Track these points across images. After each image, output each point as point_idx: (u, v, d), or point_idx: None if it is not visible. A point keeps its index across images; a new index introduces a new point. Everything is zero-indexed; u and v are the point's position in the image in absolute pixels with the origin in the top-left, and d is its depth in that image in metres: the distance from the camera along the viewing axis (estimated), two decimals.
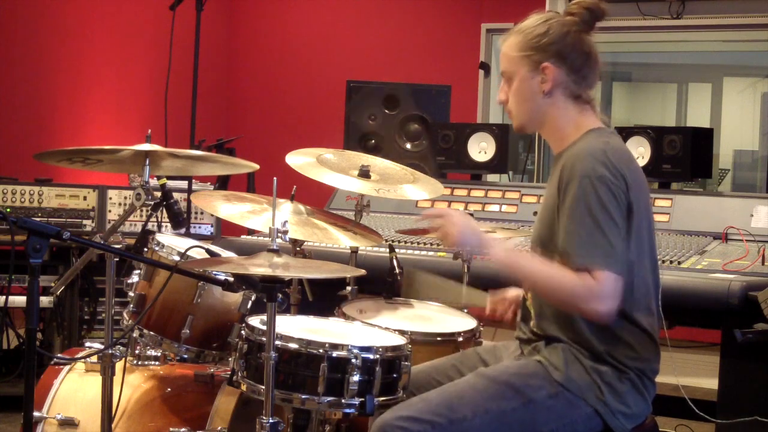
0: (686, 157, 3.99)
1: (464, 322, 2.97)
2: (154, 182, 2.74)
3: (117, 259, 2.72)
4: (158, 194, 2.73)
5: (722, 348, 3.23)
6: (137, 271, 2.95)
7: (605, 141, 2.38)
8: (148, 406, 2.88)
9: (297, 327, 2.61)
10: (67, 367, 2.99)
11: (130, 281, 2.94)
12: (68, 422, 2.86)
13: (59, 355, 3.91)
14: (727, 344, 3.21)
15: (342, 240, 2.97)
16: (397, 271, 3.14)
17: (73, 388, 2.93)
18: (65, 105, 5.87)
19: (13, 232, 2.20)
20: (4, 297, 4.03)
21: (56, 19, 5.75)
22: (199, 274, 2.72)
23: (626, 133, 4.06)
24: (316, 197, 3.51)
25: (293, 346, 2.42)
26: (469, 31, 6.49)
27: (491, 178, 4.90)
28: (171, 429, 2.81)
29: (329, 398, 2.40)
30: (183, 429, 2.81)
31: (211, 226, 4.84)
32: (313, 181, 3.05)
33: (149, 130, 2.80)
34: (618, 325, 2.33)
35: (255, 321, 2.54)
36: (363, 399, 2.41)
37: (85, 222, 4.67)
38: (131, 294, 2.92)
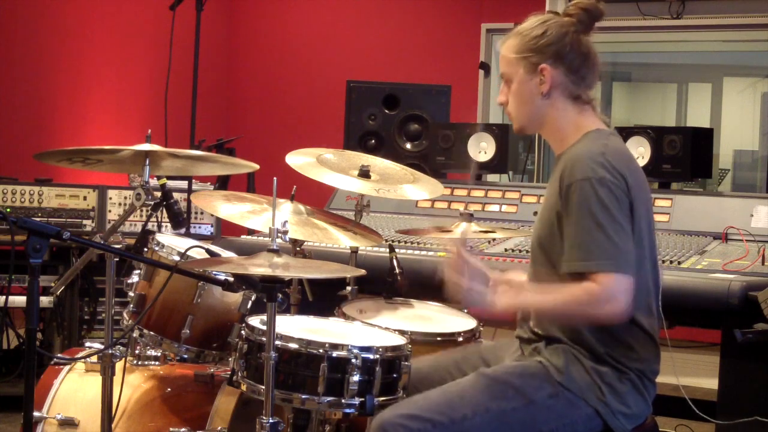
0: (686, 157, 3.99)
1: (464, 322, 2.97)
2: (154, 182, 2.74)
3: (117, 259, 2.72)
4: (158, 194, 2.73)
5: (722, 348, 3.23)
6: (137, 271, 2.95)
7: (604, 143, 2.38)
8: (148, 406, 2.88)
9: (297, 327, 2.61)
10: (67, 367, 2.99)
11: (130, 281, 2.94)
12: (68, 422, 2.86)
13: (59, 355, 3.90)
14: (727, 344, 3.21)
15: (342, 240, 2.97)
16: (397, 271, 3.14)
17: (73, 388, 2.93)
18: (65, 105, 5.87)
19: (13, 232, 2.20)
20: (4, 297, 4.03)
21: (56, 19, 5.75)
22: (199, 274, 2.72)
23: (626, 133, 4.06)
24: (316, 197, 3.51)
25: (293, 346, 2.42)
26: (469, 31, 6.50)
27: (491, 178, 4.90)
28: (171, 429, 2.81)
29: (329, 398, 2.40)
30: (183, 429, 2.81)
31: (211, 226, 4.84)
32: (313, 181, 3.05)
33: (149, 130, 2.80)
34: (618, 326, 2.33)
35: (255, 321, 2.54)
36: (363, 399, 2.41)
37: (85, 222, 4.67)
38: (131, 294, 2.92)
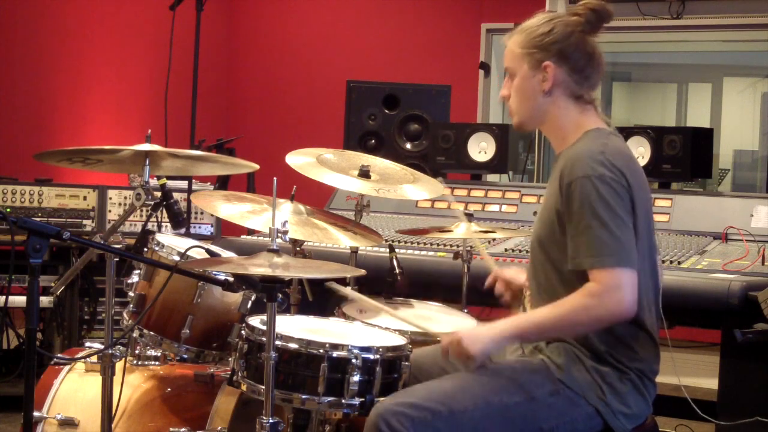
0: (686, 157, 3.99)
1: (464, 322, 2.97)
2: (154, 182, 2.73)
3: (117, 259, 2.72)
4: (158, 194, 2.72)
5: (722, 348, 3.23)
6: (137, 271, 2.95)
7: (604, 142, 2.38)
8: (148, 406, 2.88)
9: (297, 327, 2.61)
10: (67, 367, 2.99)
11: (130, 281, 2.94)
12: (68, 422, 2.86)
13: (59, 355, 3.90)
14: (727, 344, 3.21)
15: (342, 240, 2.97)
16: (397, 271, 3.14)
17: (73, 388, 2.93)
18: (65, 105, 5.87)
19: (13, 232, 2.20)
20: (4, 297, 4.03)
21: (56, 19, 5.75)
22: (199, 274, 2.72)
23: (626, 133, 4.06)
24: (316, 197, 3.51)
25: (293, 346, 2.42)
26: (469, 31, 6.49)
27: (491, 178, 4.90)
28: (171, 429, 2.81)
29: (329, 398, 2.40)
30: (183, 429, 2.81)
31: (211, 226, 4.84)
32: (313, 181, 3.05)
33: (149, 130, 2.80)
34: (620, 325, 2.33)
35: (255, 321, 2.54)
36: (363, 399, 2.41)
37: (85, 222, 4.67)
38: (131, 294, 2.92)
